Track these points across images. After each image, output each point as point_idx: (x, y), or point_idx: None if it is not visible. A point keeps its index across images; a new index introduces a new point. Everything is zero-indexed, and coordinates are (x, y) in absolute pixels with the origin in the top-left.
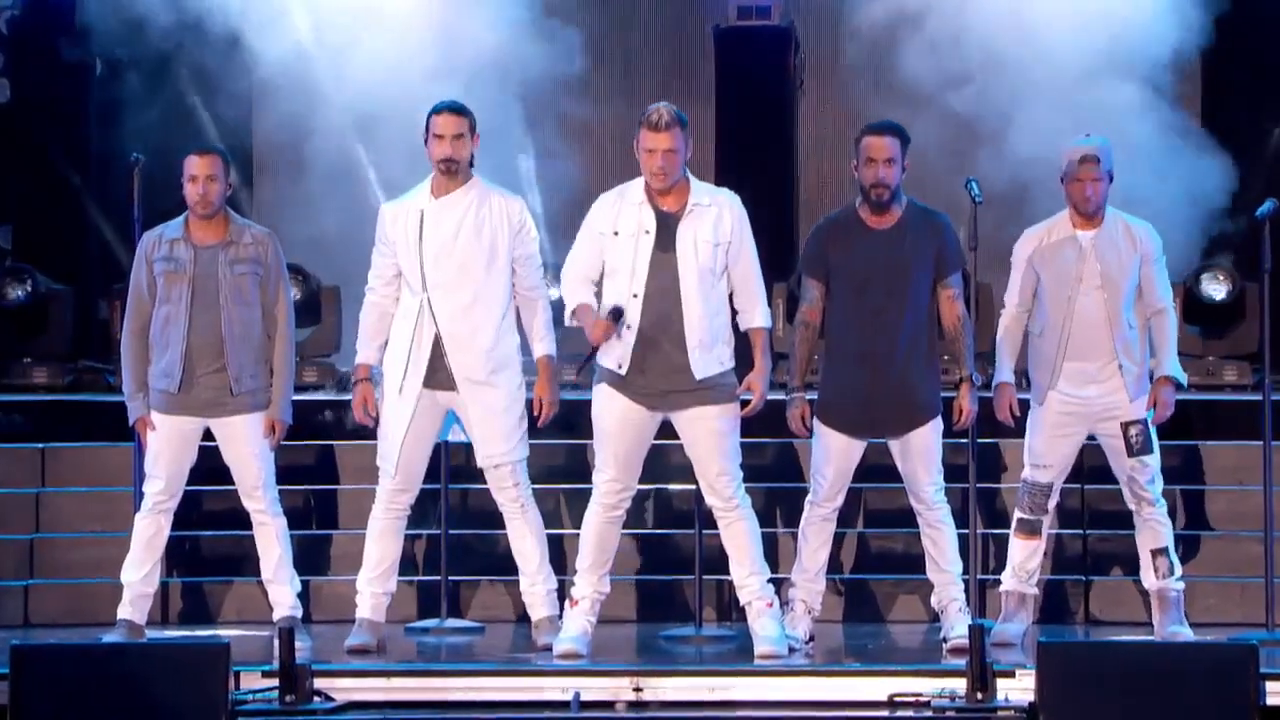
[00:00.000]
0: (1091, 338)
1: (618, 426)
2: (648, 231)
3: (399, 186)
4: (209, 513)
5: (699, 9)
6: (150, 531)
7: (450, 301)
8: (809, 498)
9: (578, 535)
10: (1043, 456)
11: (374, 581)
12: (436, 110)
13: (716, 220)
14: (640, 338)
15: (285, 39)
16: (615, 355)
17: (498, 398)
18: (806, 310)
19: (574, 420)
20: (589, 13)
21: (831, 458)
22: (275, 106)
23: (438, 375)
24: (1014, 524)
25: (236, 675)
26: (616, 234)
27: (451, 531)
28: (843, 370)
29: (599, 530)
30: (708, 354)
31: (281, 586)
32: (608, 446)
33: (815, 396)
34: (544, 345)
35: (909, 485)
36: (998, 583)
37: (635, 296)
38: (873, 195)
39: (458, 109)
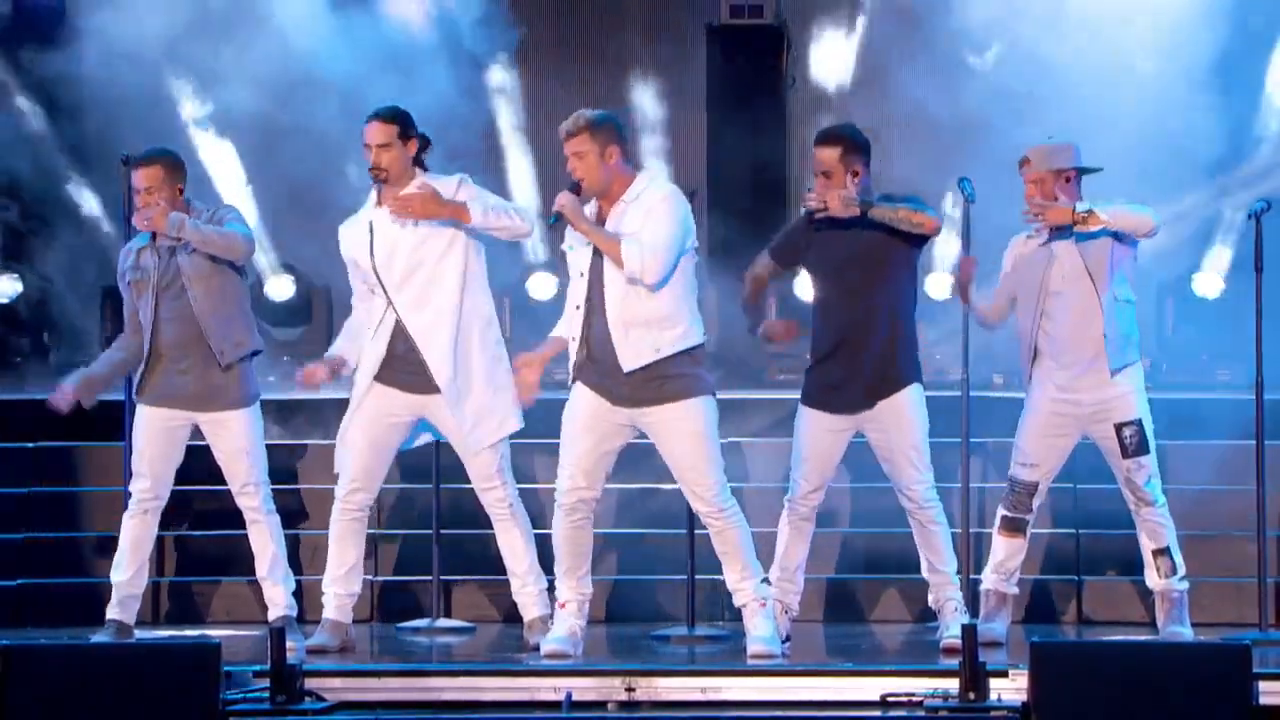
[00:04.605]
0: (1066, 343)
1: (581, 425)
2: (588, 243)
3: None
4: (198, 513)
5: (692, 7)
6: (137, 531)
7: (410, 299)
8: (787, 496)
9: None
10: (1030, 455)
11: (336, 582)
12: (366, 119)
13: (636, 210)
14: (587, 333)
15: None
16: (574, 352)
17: (462, 401)
18: (754, 270)
19: (560, 419)
20: (581, 10)
21: (811, 449)
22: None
23: (399, 375)
24: (998, 521)
25: (227, 675)
26: (571, 248)
27: (443, 531)
28: (824, 355)
29: (566, 536)
30: (635, 339)
31: (276, 585)
32: (568, 446)
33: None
34: (475, 208)
35: (897, 484)
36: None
37: (577, 309)
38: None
39: (383, 115)
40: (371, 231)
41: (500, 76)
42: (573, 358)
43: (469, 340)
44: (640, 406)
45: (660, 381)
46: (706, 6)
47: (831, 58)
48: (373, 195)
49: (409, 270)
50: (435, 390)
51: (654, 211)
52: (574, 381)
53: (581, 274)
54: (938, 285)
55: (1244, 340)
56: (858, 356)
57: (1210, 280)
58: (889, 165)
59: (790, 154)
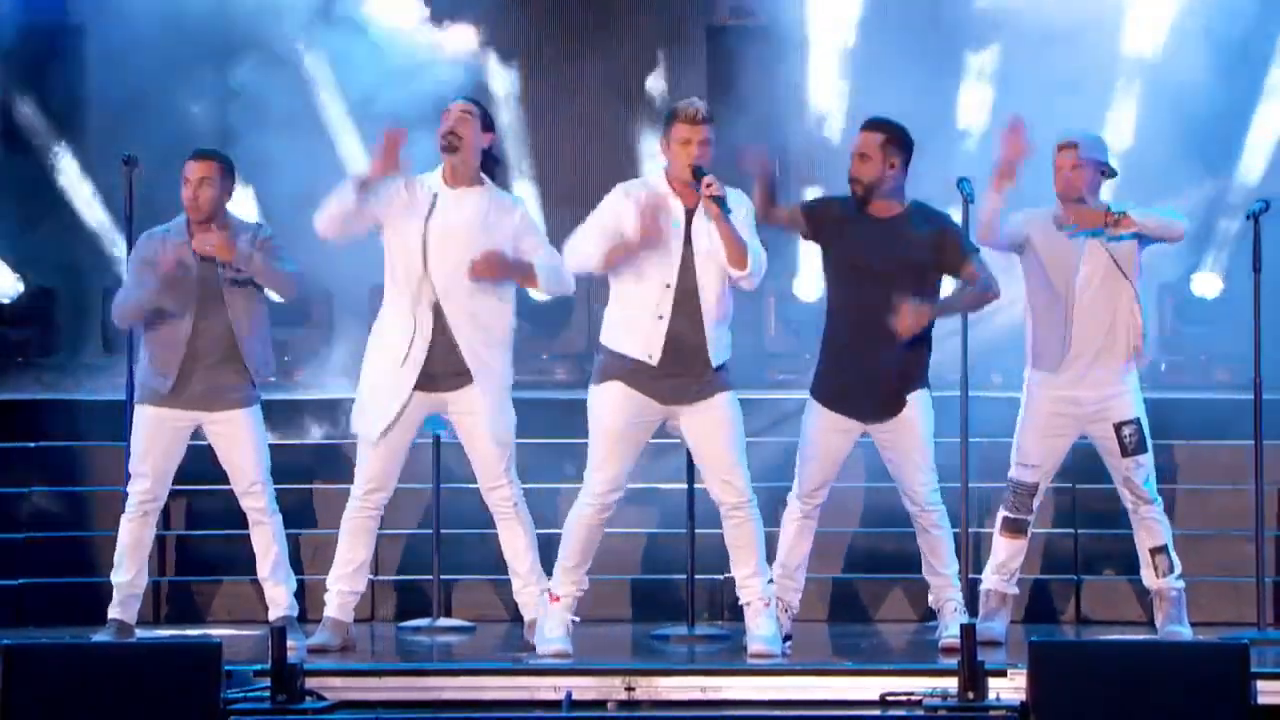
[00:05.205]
0: (1089, 329)
1: (624, 426)
2: (677, 223)
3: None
4: (199, 512)
5: (692, 7)
6: (137, 532)
7: (449, 280)
8: (792, 492)
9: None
10: (1030, 456)
11: (341, 580)
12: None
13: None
14: (670, 327)
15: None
16: (644, 345)
17: (488, 392)
18: (782, 210)
19: (563, 418)
20: (581, 11)
21: (818, 447)
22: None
23: (419, 375)
24: (999, 523)
25: (228, 674)
26: (676, 224)
27: (443, 531)
28: (840, 354)
29: (590, 531)
30: (720, 335)
31: (278, 585)
32: (611, 445)
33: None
34: (539, 258)
35: (902, 487)
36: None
37: (668, 287)
38: (851, 188)
39: (471, 98)
40: (434, 204)
41: (499, 77)
42: (643, 348)
43: (496, 333)
44: (684, 404)
45: (704, 381)
46: (706, 7)
47: (829, 58)
48: (437, 172)
49: (456, 252)
50: (452, 387)
51: (746, 221)
52: (610, 380)
53: (668, 285)
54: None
55: (1242, 340)
56: (873, 367)
57: (1209, 280)
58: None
59: (792, 156)
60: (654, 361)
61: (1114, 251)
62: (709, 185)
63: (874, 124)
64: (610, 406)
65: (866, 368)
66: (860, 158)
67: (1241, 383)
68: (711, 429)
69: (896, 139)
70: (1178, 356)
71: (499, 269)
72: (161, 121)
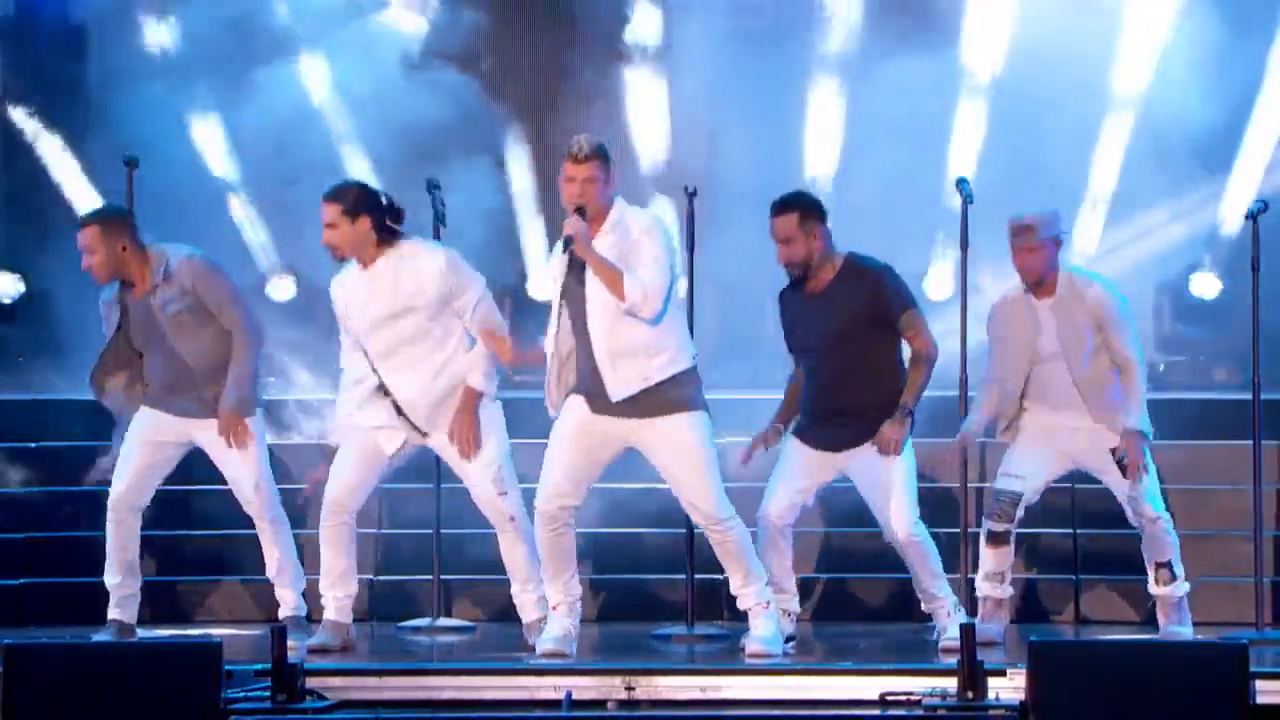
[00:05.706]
0: (1059, 397)
1: (571, 433)
2: (557, 275)
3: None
4: (199, 512)
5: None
6: (118, 535)
7: (394, 366)
8: (759, 511)
9: None
10: (1014, 465)
11: (333, 585)
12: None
13: (621, 237)
14: (566, 346)
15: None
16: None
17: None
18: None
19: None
20: (582, 15)
21: (786, 462)
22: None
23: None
24: (983, 533)
25: (229, 674)
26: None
27: (443, 531)
28: (810, 404)
29: (549, 545)
30: (624, 368)
31: (284, 588)
32: (556, 452)
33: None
34: (474, 376)
35: (880, 519)
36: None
37: (558, 332)
38: (789, 271)
39: (328, 195)
40: (359, 293)
41: (515, 146)
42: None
43: (455, 386)
44: (634, 418)
45: (652, 399)
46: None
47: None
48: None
49: (388, 335)
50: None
51: (643, 245)
52: (572, 393)
53: (561, 298)
54: (938, 286)
55: (1241, 340)
56: (837, 430)
57: (1207, 281)
58: (880, 169)
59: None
60: (553, 374)
61: (1067, 329)
62: (566, 224)
63: (782, 206)
64: (562, 415)
65: (834, 418)
66: (785, 243)
67: (1241, 383)
68: (667, 453)
69: (807, 210)
70: (1177, 356)
71: (470, 426)
72: (162, 121)
